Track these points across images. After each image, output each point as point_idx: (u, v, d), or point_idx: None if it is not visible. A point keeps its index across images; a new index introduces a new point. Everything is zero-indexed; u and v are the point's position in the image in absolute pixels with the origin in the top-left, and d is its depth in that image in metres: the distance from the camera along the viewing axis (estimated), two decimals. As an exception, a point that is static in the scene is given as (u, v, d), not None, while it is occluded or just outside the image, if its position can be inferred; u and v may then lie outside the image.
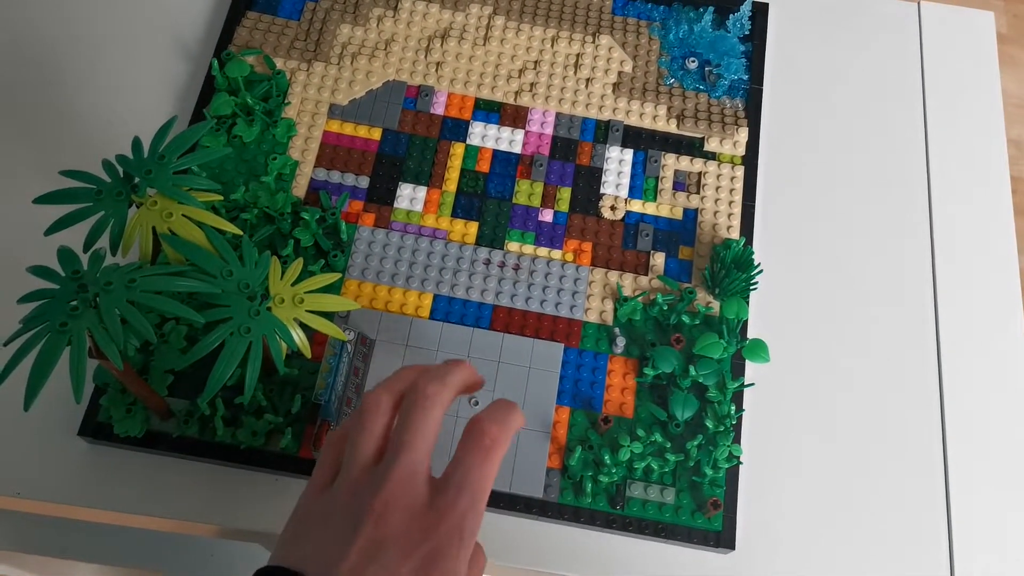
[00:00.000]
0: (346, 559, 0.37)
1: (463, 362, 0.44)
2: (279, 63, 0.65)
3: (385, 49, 0.66)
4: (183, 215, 0.45)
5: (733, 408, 0.56)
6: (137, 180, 0.46)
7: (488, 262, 0.61)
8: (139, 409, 0.53)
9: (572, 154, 0.65)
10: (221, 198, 0.47)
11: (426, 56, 0.67)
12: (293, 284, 0.46)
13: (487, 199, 0.63)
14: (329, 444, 0.43)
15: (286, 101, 0.63)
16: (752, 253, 0.58)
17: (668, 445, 0.55)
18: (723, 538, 0.54)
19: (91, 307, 0.41)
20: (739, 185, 0.64)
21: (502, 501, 0.54)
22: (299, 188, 0.61)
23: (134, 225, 0.45)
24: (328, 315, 0.55)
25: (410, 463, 0.40)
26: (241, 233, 0.47)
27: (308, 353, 0.46)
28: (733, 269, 0.57)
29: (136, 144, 0.47)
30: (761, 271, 0.59)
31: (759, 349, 0.57)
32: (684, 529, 0.54)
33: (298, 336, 0.45)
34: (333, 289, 0.57)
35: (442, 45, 0.67)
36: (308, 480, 0.42)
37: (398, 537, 0.38)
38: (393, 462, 0.39)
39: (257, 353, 0.43)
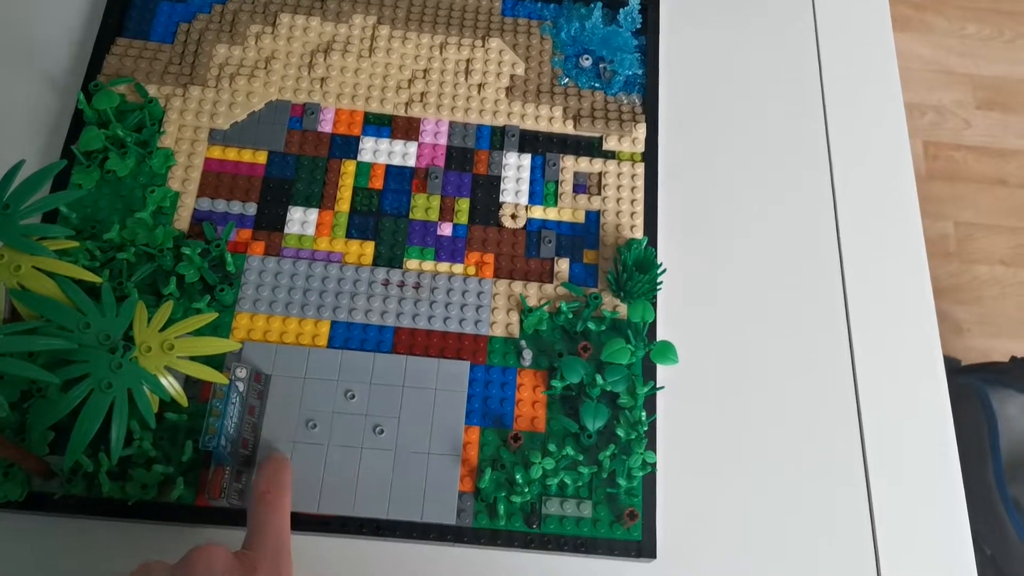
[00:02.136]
0: None
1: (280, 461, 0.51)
2: (153, 90, 0.62)
3: (266, 67, 0.64)
4: (33, 267, 0.42)
5: (644, 414, 0.55)
6: (-19, 232, 0.43)
7: (387, 283, 0.58)
8: (17, 471, 0.49)
9: (468, 164, 0.63)
10: (76, 244, 0.44)
11: (309, 72, 0.64)
12: (163, 329, 0.44)
13: (383, 217, 0.61)
14: None
15: (161, 130, 0.60)
16: (654, 254, 0.57)
17: (581, 458, 0.54)
18: (644, 547, 0.53)
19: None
20: (640, 183, 0.63)
21: (415, 531, 0.52)
22: (182, 220, 0.58)
23: (-20, 281, 0.42)
24: (213, 358, 0.53)
25: (208, 549, 0.42)
26: (100, 281, 0.44)
27: (184, 402, 0.44)
28: (635, 271, 0.56)
29: (-20, 193, 0.44)
30: (664, 271, 0.58)
31: (667, 351, 0.56)
32: (604, 542, 0.53)
33: (171, 385, 0.43)
34: (212, 329, 0.54)
35: (326, 59, 0.64)
36: None
37: None
38: (191, 552, 0.43)
39: (122, 408, 0.40)
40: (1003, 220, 1.73)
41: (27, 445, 0.48)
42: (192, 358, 0.45)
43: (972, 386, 1.19)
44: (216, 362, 0.53)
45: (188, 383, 0.52)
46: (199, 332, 0.47)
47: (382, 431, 0.54)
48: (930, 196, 1.74)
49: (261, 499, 0.47)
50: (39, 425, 0.39)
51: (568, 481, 0.53)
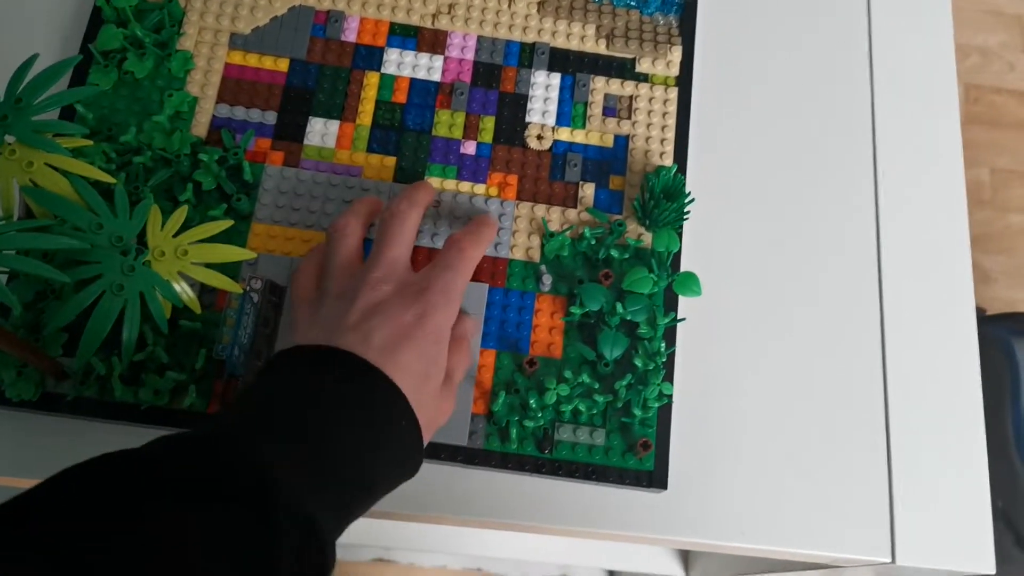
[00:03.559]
0: (350, 317, 0.44)
1: (424, 183, 0.54)
2: (173, -11, 0.60)
3: (289, -29, 0.61)
4: (46, 164, 0.41)
5: (663, 345, 0.54)
6: (-7, 127, 0.41)
7: (406, 200, 0.57)
8: (31, 371, 0.49)
9: (495, 81, 0.61)
10: (91, 143, 0.43)
11: (335, -23, 0.61)
12: (176, 234, 0.43)
13: (405, 132, 0.59)
14: (308, 263, 0.50)
15: (181, 32, 0.59)
16: (683, 181, 0.55)
17: (596, 386, 0.53)
18: (655, 478, 0.52)
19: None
20: (672, 108, 0.60)
21: (427, 449, 0.52)
22: (200, 127, 0.57)
23: (-8, 176, 0.41)
24: (228, 266, 0.52)
25: (394, 255, 0.48)
26: (114, 181, 0.43)
27: (197, 308, 0.43)
28: (663, 199, 0.54)
29: (-8, 86, 0.42)
30: (693, 200, 0.56)
31: (690, 282, 0.54)
32: (615, 470, 0.52)
33: (184, 290, 0.42)
34: (228, 238, 0.53)
35: (351, -35, 0.62)
36: (291, 294, 0.50)
37: (392, 299, 0.46)
38: (378, 254, 0.48)
39: (134, 312, 0.39)
40: (1042, 168, 1.68)
41: (40, 345, 0.47)
42: (207, 265, 0.44)
43: (996, 335, 1.17)
44: (231, 271, 0.52)
45: (203, 291, 0.52)
46: (214, 239, 0.46)
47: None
48: (967, 141, 1.68)
49: (453, 244, 0.50)
50: (52, 326, 0.39)
51: (582, 408, 0.52)
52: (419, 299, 0.46)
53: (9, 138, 0.41)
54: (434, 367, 0.46)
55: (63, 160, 0.41)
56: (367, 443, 0.42)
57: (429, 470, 0.52)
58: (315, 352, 0.44)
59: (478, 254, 0.51)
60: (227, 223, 0.46)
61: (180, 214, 0.43)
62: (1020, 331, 1.16)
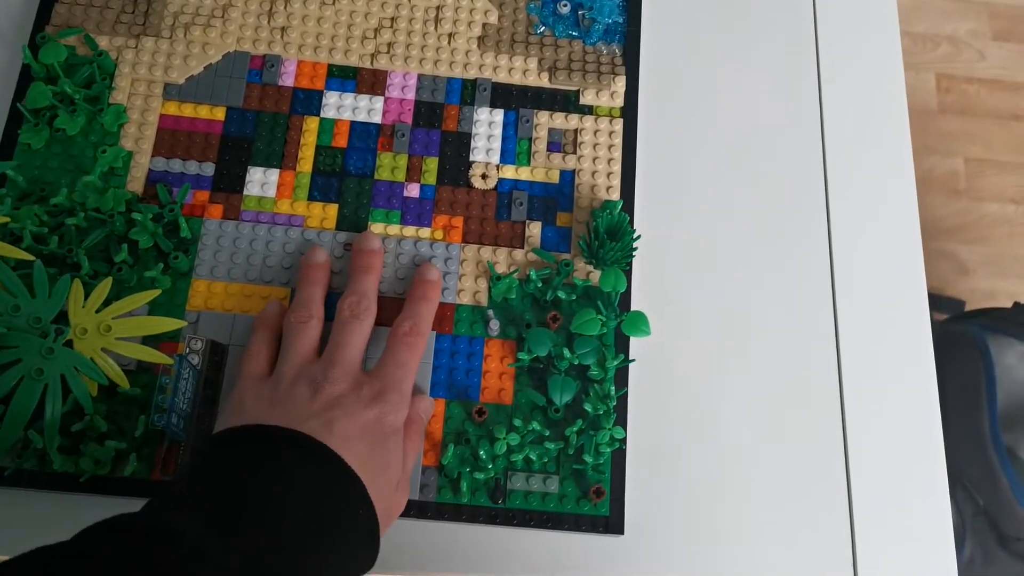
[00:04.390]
0: (312, 405, 0.46)
1: (376, 248, 0.54)
2: (104, 41, 0.58)
3: (223, 16, 0.60)
4: (-41, 246, 0.40)
5: (614, 388, 0.53)
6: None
7: (348, 248, 0.56)
8: (-34, 448, 0.48)
9: (437, 120, 0.60)
10: (7, 220, 0.42)
11: (269, 21, 0.60)
12: (100, 309, 0.42)
13: (347, 177, 0.58)
14: (261, 345, 0.51)
15: (112, 85, 0.57)
16: (627, 220, 0.54)
17: (547, 433, 0.52)
18: (611, 523, 0.52)
19: None
20: (618, 140, 0.60)
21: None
22: (136, 182, 0.56)
23: (-97, 263, 0.40)
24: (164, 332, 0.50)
25: (349, 356, 0.49)
26: (32, 258, 0.42)
27: (125, 384, 0.42)
28: (607, 239, 0.53)
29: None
30: (639, 237, 0.55)
31: (639, 322, 0.53)
32: (570, 517, 0.52)
33: (109, 366, 0.41)
34: (168, 295, 0.52)
35: (286, 7, 0.61)
36: (239, 374, 0.50)
37: (350, 395, 0.47)
38: (335, 353, 0.49)
39: (55, 394, 0.38)
40: (1015, 157, 1.68)
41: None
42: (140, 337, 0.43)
43: (971, 333, 1.16)
44: (172, 334, 0.51)
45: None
46: (152, 304, 0.45)
47: None
48: (941, 131, 1.68)
49: (403, 337, 0.50)
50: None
51: (534, 456, 0.52)
52: (378, 399, 0.47)
53: (-80, 221, 0.40)
54: (392, 461, 0.47)
55: (-23, 241, 0.40)
56: (325, 530, 0.42)
57: (381, 525, 0.52)
58: (277, 433, 0.44)
59: (425, 338, 0.52)
60: (154, 293, 0.45)
61: (103, 288, 0.42)
62: (993, 328, 1.16)
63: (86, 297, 0.42)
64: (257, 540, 0.39)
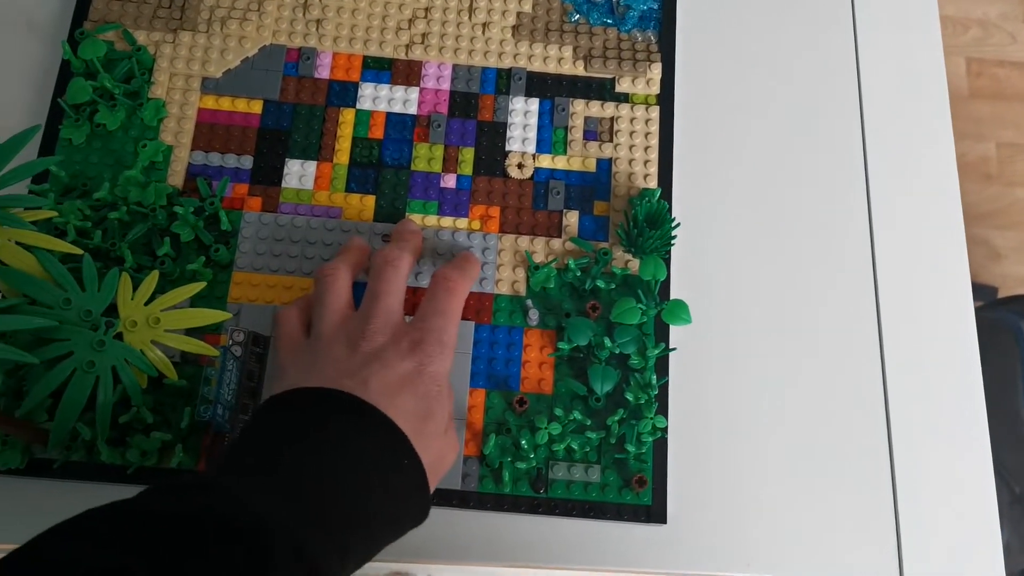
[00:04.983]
0: (348, 363, 0.44)
1: (409, 223, 0.54)
2: (141, 36, 0.59)
3: (258, 10, 0.60)
4: (10, 240, 0.40)
5: (655, 377, 0.53)
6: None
7: (387, 239, 0.56)
8: (17, 439, 0.49)
9: (473, 110, 0.60)
10: (55, 214, 0.42)
11: (304, 14, 0.60)
12: (149, 301, 0.42)
13: (383, 168, 0.58)
14: (292, 308, 0.50)
15: (151, 80, 0.58)
16: (667, 207, 0.54)
17: (589, 422, 0.52)
18: (653, 512, 0.52)
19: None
20: (655, 128, 0.59)
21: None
22: (176, 176, 0.56)
23: (-44, 257, 0.40)
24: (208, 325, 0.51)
25: (387, 305, 0.48)
26: (80, 252, 0.42)
27: (173, 375, 0.42)
28: (646, 227, 0.53)
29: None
30: (678, 225, 0.55)
31: (679, 310, 0.53)
32: (612, 506, 0.52)
33: (158, 358, 0.41)
34: (209, 288, 0.52)
35: (321, 0, 0.61)
36: (276, 341, 0.49)
37: (389, 349, 0.46)
38: (373, 303, 0.47)
39: (107, 387, 0.39)
40: (1048, 141, 1.66)
41: (21, 414, 0.47)
42: (184, 329, 0.44)
43: (1006, 321, 1.15)
44: (214, 327, 0.52)
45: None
46: (194, 297, 0.46)
47: None
48: (972, 116, 1.66)
49: (442, 283, 0.49)
50: (25, 405, 0.38)
51: (575, 446, 0.52)
52: (416, 350, 0.46)
53: (-28, 217, 0.41)
54: (436, 409, 0.46)
55: (28, 235, 0.40)
56: (369, 484, 0.42)
57: (424, 515, 0.52)
58: (314, 394, 0.44)
59: (467, 291, 0.51)
60: (200, 285, 0.45)
61: (151, 281, 0.42)
62: (1029, 314, 1.14)
63: (134, 290, 0.42)
64: (301, 499, 0.39)
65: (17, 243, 0.41)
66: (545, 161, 0.59)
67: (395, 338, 0.47)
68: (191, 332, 0.50)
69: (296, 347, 0.49)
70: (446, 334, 0.48)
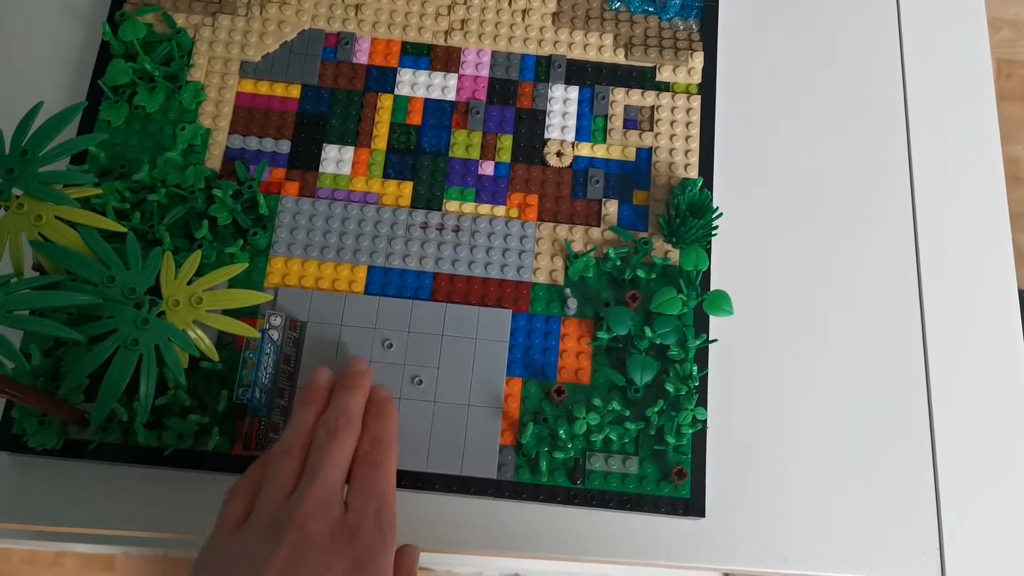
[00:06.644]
0: (269, 566, 0.38)
1: (364, 370, 0.48)
2: (181, 19, 0.59)
3: (297, -6, 0.60)
4: (55, 216, 0.40)
5: (695, 368, 0.52)
6: (-1, 181, 0.41)
7: (425, 226, 0.56)
8: (53, 419, 0.49)
9: (512, 97, 0.59)
10: (100, 192, 0.42)
11: (344, -2, 0.60)
12: (191, 281, 0.42)
13: (421, 155, 0.58)
14: (242, 488, 0.43)
15: (190, 63, 0.58)
16: (709, 197, 0.53)
17: (627, 413, 0.51)
18: (692, 505, 0.51)
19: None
20: (696, 118, 0.58)
21: (455, 484, 0.51)
22: (214, 159, 0.56)
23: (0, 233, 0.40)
24: (246, 308, 0.50)
25: (326, 483, 0.42)
26: (124, 230, 0.42)
27: (215, 356, 0.42)
28: (688, 216, 0.52)
29: (-5, 139, 0.42)
30: (721, 215, 0.54)
31: (721, 301, 0.52)
32: (650, 499, 0.51)
33: (200, 338, 0.41)
34: (247, 275, 0.52)
35: (360, -16, 0.60)
36: (215, 523, 0.41)
37: (322, 542, 0.40)
38: (311, 482, 0.41)
39: (150, 365, 0.38)
40: (1080, 144, 1.63)
41: (62, 394, 0.47)
42: (223, 311, 0.43)
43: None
44: (251, 310, 0.51)
45: (222, 332, 0.51)
46: (231, 281, 0.45)
47: (421, 382, 0.52)
48: (1001, 117, 1.64)
49: (365, 458, 0.44)
50: (68, 383, 0.38)
51: (613, 437, 0.51)
52: (352, 542, 0.40)
53: (16, 192, 0.40)
54: None
55: (72, 212, 0.40)
56: None
57: (459, 504, 0.51)
58: None
59: (394, 452, 0.45)
60: (242, 266, 0.45)
61: (194, 260, 0.42)
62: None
63: (177, 269, 0.42)
64: None
65: (61, 219, 0.40)
66: (584, 149, 0.58)
67: (330, 525, 0.40)
68: (228, 314, 0.50)
69: (229, 528, 0.42)
70: (383, 517, 0.42)
